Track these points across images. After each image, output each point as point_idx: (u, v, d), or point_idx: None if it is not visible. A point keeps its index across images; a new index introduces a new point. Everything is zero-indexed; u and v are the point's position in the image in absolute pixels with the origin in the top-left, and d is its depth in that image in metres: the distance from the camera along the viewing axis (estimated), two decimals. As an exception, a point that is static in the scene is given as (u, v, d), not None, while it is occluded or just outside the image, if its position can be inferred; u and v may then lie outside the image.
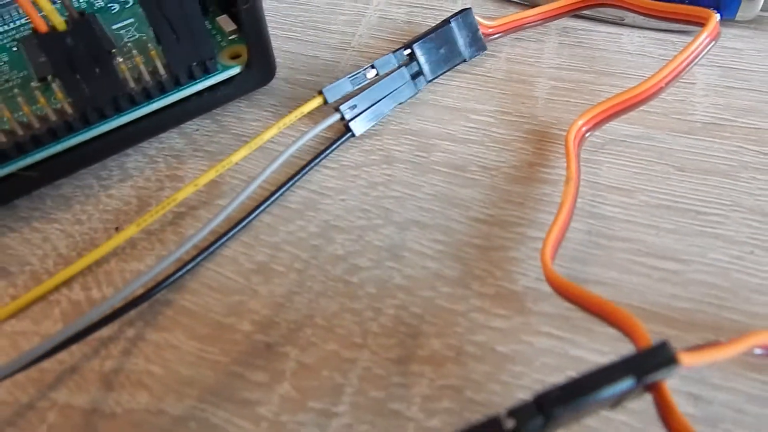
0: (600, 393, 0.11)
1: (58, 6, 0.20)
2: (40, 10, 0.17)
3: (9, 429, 0.16)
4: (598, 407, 0.12)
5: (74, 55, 0.19)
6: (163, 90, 0.21)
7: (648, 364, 0.11)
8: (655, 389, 0.12)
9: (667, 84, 0.19)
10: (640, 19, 0.23)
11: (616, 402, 0.12)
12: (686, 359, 0.12)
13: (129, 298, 0.18)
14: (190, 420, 0.16)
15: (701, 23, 0.20)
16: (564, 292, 0.15)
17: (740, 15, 0.22)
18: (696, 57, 0.19)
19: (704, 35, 0.19)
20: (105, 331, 0.17)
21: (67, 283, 0.19)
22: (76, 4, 0.24)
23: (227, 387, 0.16)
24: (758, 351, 0.13)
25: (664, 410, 0.12)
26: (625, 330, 0.14)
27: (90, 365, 0.17)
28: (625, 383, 0.11)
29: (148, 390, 0.16)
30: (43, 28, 0.18)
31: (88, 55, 0.19)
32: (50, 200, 0.21)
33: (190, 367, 0.17)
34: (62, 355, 0.17)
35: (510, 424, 0.11)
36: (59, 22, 0.18)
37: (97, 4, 0.25)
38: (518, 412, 0.11)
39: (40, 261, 0.19)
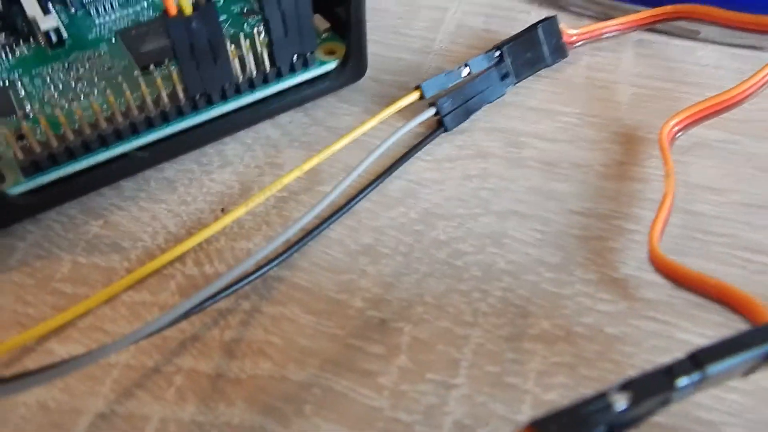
0: (749, 353, 0.12)
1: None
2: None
3: (138, 391, 0.16)
4: (738, 371, 0.12)
5: (197, 40, 0.19)
6: (266, 81, 0.22)
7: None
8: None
9: (755, 91, 0.20)
10: (713, 34, 0.24)
11: (750, 370, 0.13)
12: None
13: (243, 274, 0.18)
14: (314, 386, 0.16)
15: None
16: (673, 274, 0.16)
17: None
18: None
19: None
20: (222, 304, 0.18)
21: (180, 258, 0.19)
22: None
23: (347, 358, 0.17)
24: None
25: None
26: (743, 310, 0.15)
27: (211, 334, 0.17)
28: (769, 347, 0.12)
29: (269, 358, 0.17)
30: (173, 11, 0.19)
31: (207, 42, 0.20)
32: (154, 182, 0.21)
33: (309, 338, 0.17)
34: (183, 325, 0.18)
35: (667, 378, 0.12)
36: (187, 6, 0.19)
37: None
38: (675, 368, 0.12)
39: (151, 238, 0.20)
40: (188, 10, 0.19)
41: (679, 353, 0.16)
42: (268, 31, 0.21)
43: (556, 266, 0.18)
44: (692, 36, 0.25)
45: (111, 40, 0.24)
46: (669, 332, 0.17)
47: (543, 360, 0.16)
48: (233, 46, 0.21)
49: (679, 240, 0.19)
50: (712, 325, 0.17)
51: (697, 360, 0.12)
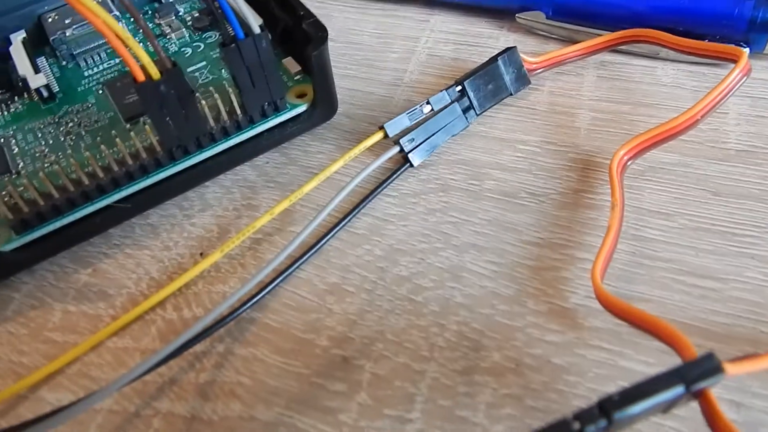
0: (655, 398, 0.13)
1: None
2: (138, 60, 0.19)
3: (120, 434, 0.18)
4: (651, 413, 0.13)
5: (166, 100, 0.21)
6: (239, 128, 0.23)
7: (696, 373, 0.13)
8: (702, 396, 0.14)
9: (702, 117, 0.21)
10: (673, 53, 0.25)
11: (667, 408, 0.14)
12: (731, 369, 0.13)
13: (218, 317, 0.20)
14: (280, 425, 0.17)
15: (733, 60, 0.21)
16: (614, 308, 0.17)
17: (769, 48, 0.24)
18: (729, 92, 0.21)
19: (736, 72, 0.21)
20: (198, 347, 0.19)
21: (160, 304, 0.21)
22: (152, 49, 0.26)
23: (310, 396, 0.18)
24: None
25: (711, 415, 0.13)
26: (672, 344, 0.15)
27: (187, 377, 0.19)
28: (677, 390, 0.13)
29: (239, 399, 0.18)
30: (141, 77, 0.20)
31: (177, 100, 0.21)
32: (139, 229, 0.23)
33: (276, 378, 0.18)
34: (161, 369, 0.19)
35: (576, 426, 0.12)
36: (155, 72, 0.20)
37: (171, 50, 0.27)
38: (583, 416, 0.13)
39: (135, 284, 0.21)
40: (156, 75, 0.20)
41: (622, 381, 0.17)
42: (236, 84, 0.22)
43: (509, 298, 0.19)
44: (653, 55, 0.26)
45: (98, 91, 0.26)
46: (613, 360, 0.18)
47: (493, 392, 0.17)
48: (207, 97, 0.22)
49: (627, 267, 0.19)
50: (656, 353, 0.17)
51: (604, 408, 0.13)
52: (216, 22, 0.27)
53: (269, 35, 0.22)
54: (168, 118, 0.21)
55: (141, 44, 0.20)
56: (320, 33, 0.23)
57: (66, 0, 0.18)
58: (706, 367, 0.13)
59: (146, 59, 0.20)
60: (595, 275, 0.18)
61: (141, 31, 0.20)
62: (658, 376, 0.13)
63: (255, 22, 0.21)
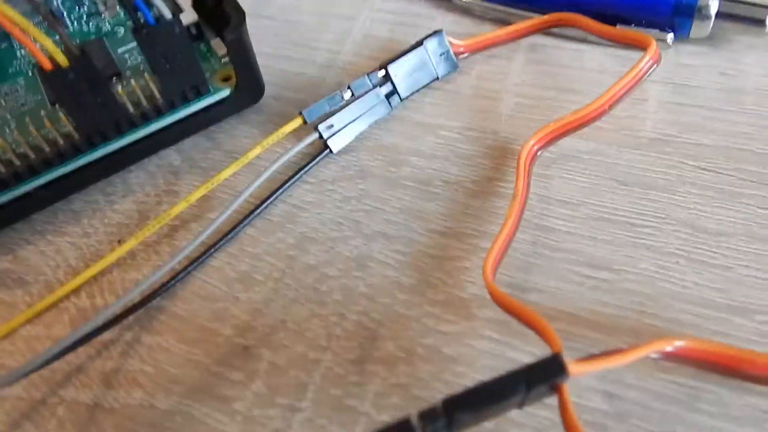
0: (499, 399, 0.13)
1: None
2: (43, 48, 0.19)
3: (25, 422, 0.18)
4: (501, 410, 0.14)
5: (76, 88, 0.21)
6: (159, 112, 0.23)
7: (541, 373, 0.13)
8: (558, 390, 0.14)
9: (610, 106, 0.21)
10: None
11: (521, 404, 0.14)
12: (575, 369, 0.13)
13: (128, 305, 0.20)
14: (176, 414, 0.18)
15: (643, 48, 0.21)
16: (500, 301, 0.17)
17: (694, 33, 0.23)
18: (639, 80, 0.21)
19: (645, 60, 0.21)
20: (107, 335, 0.20)
21: (75, 291, 0.21)
22: (85, 29, 0.26)
23: (208, 385, 0.18)
24: (655, 356, 0.15)
25: (562, 409, 0.14)
26: (543, 336, 0.16)
27: (93, 365, 0.19)
28: (519, 391, 0.13)
29: (141, 387, 0.19)
30: (47, 65, 0.20)
31: (89, 87, 0.21)
32: (62, 215, 0.23)
33: (178, 367, 0.19)
34: (70, 357, 0.19)
35: (418, 424, 0.13)
36: (62, 59, 0.20)
37: (104, 29, 0.27)
38: (426, 415, 0.13)
39: (53, 271, 0.22)
40: (64, 62, 0.20)
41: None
42: (152, 69, 0.22)
43: (410, 288, 0.20)
44: (582, 39, 0.25)
45: (28, 73, 0.26)
46: (501, 351, 0.18)
47: (382, 382, 0.18)
48: (123, 83, 0.22)
49: (527, 257, 0.20)
50: (540, 343, 0.18)
51: (448, 407, 0.13)
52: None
53: (182, 21, 0.21)
54: (81, 106, 0.21)
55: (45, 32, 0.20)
56: (239, 15, 0.23)
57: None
58: (550, 368, 0.13)
59: (52, 47, 0.20)
60: (486, 268, 0.18)
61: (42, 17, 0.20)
62: (502, 377, 0.13)
63: (166, 7, 0.21)
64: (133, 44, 0.26)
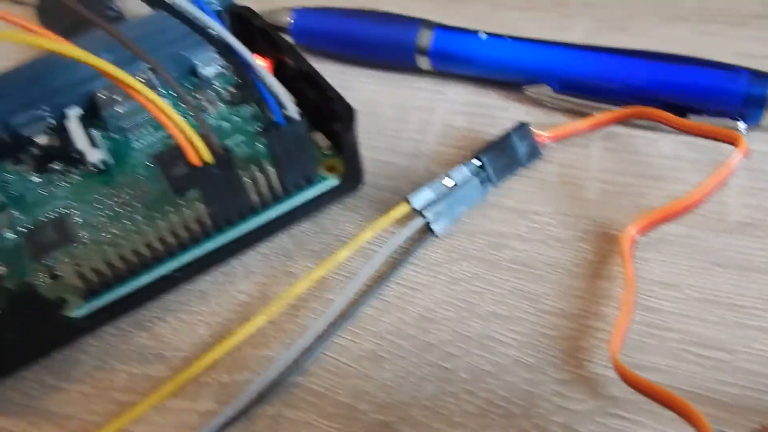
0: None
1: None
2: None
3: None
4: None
5: (217, 181, 0.21)
6: (277, 201, 0.23)
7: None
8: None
9: (705, 198, 0.21)
10: (672, 126, 0.25)
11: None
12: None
13: (267, 381, 0.20)
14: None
15: (731, 143, 0.21)
16: (633, 383, 0.17)
17: (764, 122, 0.24)
18: (731, 173, 0.21)
19: (736, 155, 0.21)
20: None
21: (212, 366, 0.21)
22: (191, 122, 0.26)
23: (356, 461, 0.18)
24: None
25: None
26: (687, 417, 0.15)
27: (242, 440, 0.19)
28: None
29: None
30: (196, 162, 0.20)
31: (227, 182, 0.21)
32: (190, 294, 0.23)
33: (324, 443, 0.18)
34: (220, 432, 0.19)
35: None
36: (209, 157, 0.20)
37: (210, 123, 0.27)
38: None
39: (189, 347, 0.21)
40: (209, 159, 0.20)
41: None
42: (275, 163, 0.22)
43: (532, 367, 0.19)
44: (654, 127, 0.26)
45: (148, 164, 0.26)
46: (634, 429, 0.18)
47: (522, 459, 0.17)
48: (247, 171, 0.22)
49: (638, 337, 0.19)
50: (671, 421, 0.17)
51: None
52: (251, 98, 0.27)
53: (306, 121, 0.22)
54: (217, 196, 0.21)
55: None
56: (350, 114, 0.23)
57: (134, 95, 0.18)
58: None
59: (201, 146, 0.20)
60: (614, 353, 0.18)
61: (194, 116, 0.20)
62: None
63: (294, 109, 0.21)
64: (238, 137, 0.26)
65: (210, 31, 0.21)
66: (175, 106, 0.24)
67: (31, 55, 0.26)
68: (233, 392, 0.20)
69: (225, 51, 0.21)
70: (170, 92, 0.28)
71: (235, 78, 0.29)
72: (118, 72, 0.18)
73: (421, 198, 0.23)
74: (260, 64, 0.20)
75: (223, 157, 0.20)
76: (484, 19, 0.32)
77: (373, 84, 0.30)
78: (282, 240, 0.24)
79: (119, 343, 0.22)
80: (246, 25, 0.27)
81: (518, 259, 0.22)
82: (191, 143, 0.20)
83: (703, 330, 0.19)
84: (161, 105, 0.19)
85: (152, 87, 0.26)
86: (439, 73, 0.30)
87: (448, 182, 0.24)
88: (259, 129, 0.26)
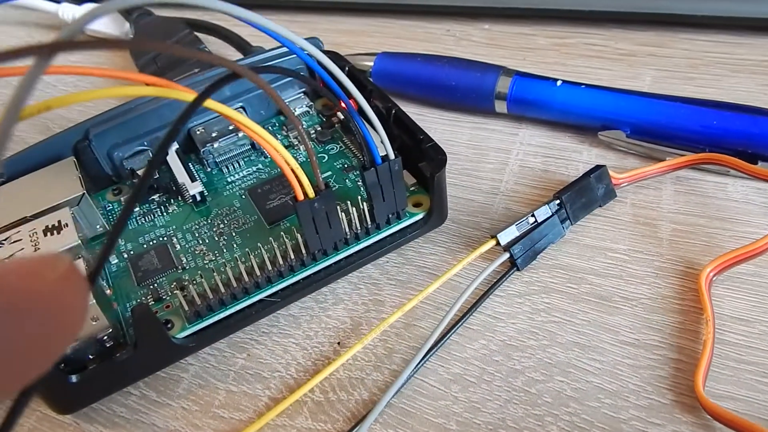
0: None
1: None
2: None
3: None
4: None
5: (318, 214, 0.24)
6: (368, 233, 0.26)
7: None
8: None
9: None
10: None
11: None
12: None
13: (367, 402, 0.22)
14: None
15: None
16: (714, 412, 0.19)
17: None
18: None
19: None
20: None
21: (308, 387, 0.23)
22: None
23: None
24: None
25: None
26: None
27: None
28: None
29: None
30: (300, 197, 0.23)
31: (325, 215, 0.24)
32: (283, 319, 0.26)
33: (417, 458, 0.21)
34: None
35: None
36: (311, 192, 0.23)
37: (299, 160, 0.30)
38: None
39: (285, 368, 0.24)
40: (311, 194, 0.23)
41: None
42: (369, 199, 0.25)
43: (613, 393, 0.22)
44: (723, 172, 0.28)
45: (242, 196, 0.29)
46: (709, 453, 0.20)
47: (606, 477, 0.20)
48: (341, 207, 0.25)
49: (714, 368, 0.22)
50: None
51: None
52: (336, 136, 0.30)
53: (401, 160, 0.25)
54: (315, 228, 0.24)
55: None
56: (440, 156, 0.26)
57: (260, 142, 0.21)
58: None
59: (306, 182, 0.23)
60: (698, 386, 0.20)
61: (306, 153, 0.23)
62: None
63: (391, 148, 0.24)
64: (328, 173, 0.29)
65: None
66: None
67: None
68: (327, 410, 0.23)
69: (322, 92, 0.24)
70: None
71: (321, 117, 0.32)
72: (233, 113, 0.21)
73: (508, 235, 0.26)
74: (365, 105, 0.23)
75: (326, 193, 0.23)
76: (554, 67, 0.35)
77: (450, 126, 0.33)
78: (370, 271, 0.27)
79: (218, 363, 0.25)
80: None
81: (596, 293, 0.25)
82: (298, 178, 0.23)
83: (776, 363, 0.21)
84: (273, 142, 0.22)
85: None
86: (512, 116, 0.33)
87: (531, 220, 0.26)
88: (346, 166, 0.29)
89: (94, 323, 0.22)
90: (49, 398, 0.23)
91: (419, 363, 0.23)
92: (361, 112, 0.23)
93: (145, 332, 0.23)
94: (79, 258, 0.23)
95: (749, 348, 0.22)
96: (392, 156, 0.24)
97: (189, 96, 0.18)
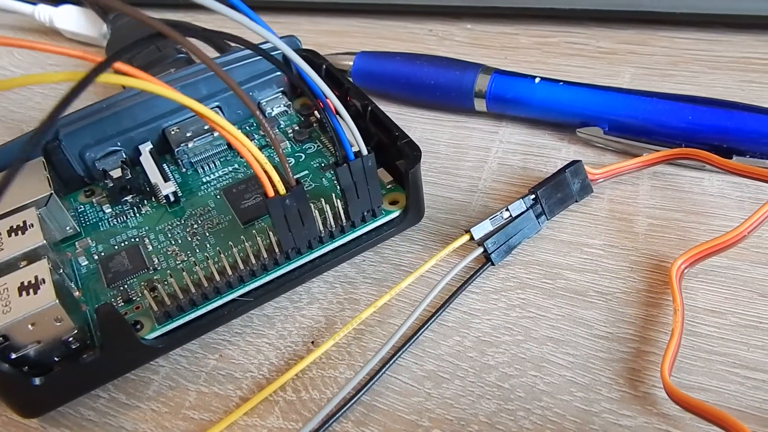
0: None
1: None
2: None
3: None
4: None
5: (289, 211, 0.24)
6: (342, 231, 0.27)
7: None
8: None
9: (749, 233, 0.24)
10: (717, 165, 0.28)
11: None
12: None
13: (341, 402, 0.23)
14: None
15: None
16: (683, 403, 0.20)
17: (805, 163, 0.27)
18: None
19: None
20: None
21: (281, 386, 0.24)
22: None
23: (418, 469, 0.21)
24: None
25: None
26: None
27: (312, 453, 0.22)
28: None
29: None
30: (271, 193, 0.24)
31: (297, 212, 0.25)
32: (257, 319, 0.26)
33: (388, 454, 0.21)
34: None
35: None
36: (282, 189, 0.24)
37: (276, 160, 0.31)
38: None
39: (257, 369, 0.25)
40: (282, 191, 0.24)
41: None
42: (344, 196, 0.26)
43: (585, 386, 0.22)
44: (699, 167, 0.29)
45: (216, 196, 0.30)
46: (680, 443, 0.20)
47: (577, 469, 0.20)
48: (315, 205, 0.26)
49: (685, 359, 0.22)
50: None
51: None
52: (314, 135, 0.31)
53: (374, 156, 0.25)
54: (287, 226, 0.25)
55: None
56: (415, 152, 0.27)
57: (225, 135, 0.21)
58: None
59: (276, 178, 0.23)
60: (664, 374, 0.20)
61: (272, 147, 0.24)
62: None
63: (363, 144, 0.25)
64: (304, 172, 0.30)
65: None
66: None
67: (105, 93, 0.30)
68: (299, 410, 0.23)
69: (298, 91, 0.25)
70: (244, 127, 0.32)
71: (299, 116, 0.33)
72: (204, 109, 0.21)
73: (481, 229, 0.27)
74: (336, 101, 0.24)
75: (297, 189, 0.24)
76: (536, 65, 0.36)
77: (430, 124, 0.34)
78: (345, 269, 0.28)
79: (189, 364, 0.25)
80: (311, 66, 0.31)
81: (571, 288, 0.25)
82: (268, 175, 0.23)
83: (746, 354, 0.22)
84: (242, 139, 0.22)
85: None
86: (492, 114, 0.33)
87: (506, 215, 0.27)
88: (323, 165, 0.30)
89: (57, 324, 0.22)
90: (12, 402, 0.23)
91: (391, 358, 0.24)
92: (335, 107, 0.24)
93: (112, 333, 0.23)
94: (44, 258, 0.23)
95: (721, 339, 0.23)
96: (365, 152, 0.25)
97: (138, 82, 0.19)
